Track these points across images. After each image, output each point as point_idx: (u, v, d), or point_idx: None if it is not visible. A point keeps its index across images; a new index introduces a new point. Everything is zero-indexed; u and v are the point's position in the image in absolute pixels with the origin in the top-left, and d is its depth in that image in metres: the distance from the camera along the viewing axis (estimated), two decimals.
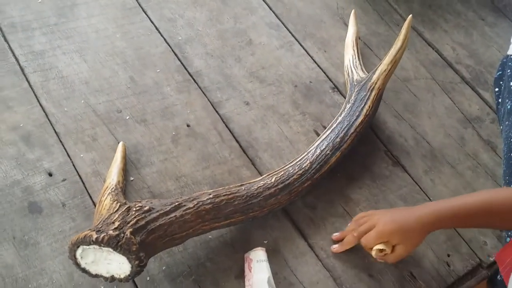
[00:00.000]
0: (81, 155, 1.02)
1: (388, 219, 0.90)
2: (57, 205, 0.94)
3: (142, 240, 0.80)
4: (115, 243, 0.77)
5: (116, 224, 0.80)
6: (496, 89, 1.33)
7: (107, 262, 0.81)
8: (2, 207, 0.92)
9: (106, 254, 0.80)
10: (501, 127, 1.24)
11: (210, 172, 1.05)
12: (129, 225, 0.80)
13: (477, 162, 1.20)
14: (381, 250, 0.90)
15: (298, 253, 0.98)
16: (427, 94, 1.31)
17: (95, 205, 0.96)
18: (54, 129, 1.04)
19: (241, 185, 0.97)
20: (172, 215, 0.86)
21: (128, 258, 0.78)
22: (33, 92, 1.08)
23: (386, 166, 1.15)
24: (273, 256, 0.95)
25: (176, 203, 0.88)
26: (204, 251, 0.95)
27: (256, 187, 0.97)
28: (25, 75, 1.10)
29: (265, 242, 0.98)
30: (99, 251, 0.79)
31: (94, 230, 0.78)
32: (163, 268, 0.92)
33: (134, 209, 0.84)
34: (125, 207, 0.84)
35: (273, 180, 0.99)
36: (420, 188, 1.13)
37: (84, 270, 0.82)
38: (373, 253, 0.92)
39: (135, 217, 0.82)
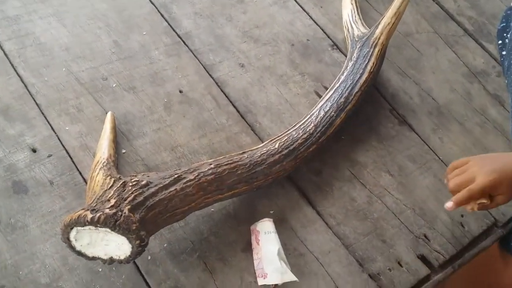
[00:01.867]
0: (67, 128, 0.93)
1: (489, 170, 0.81)
2: (44, 184, 0.87)
3: (142, 217, 0.74)
4: (112, 223, 0.70)
5: (112, 201, 0.73)
6: (500, 41, 1.27)
7: (104, 243, 0.74)
8: None
9: (103, 235, 0.73)
10: (506, 81, 1.18)
11: (208, 140, 0.98)
12: (126, 202, 0.73)
13: (485, 117, 1.15)
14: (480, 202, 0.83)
15: (307, 222, 0.93)
16: (430, 48, 1.24)
17: (86, 182, 0.88)
18: (34, 101, 0.95)
19: (243, 152, 0.90)
20: (172, 188, 0.79)
21: (128, 238, 0.72)
22: (9, 61, 0.98)
23: (392, 126, 1.09)
24: (281, 226, 0.90)
25: (175, 176, 0.81)
26: (207, 225, 0.88)
27: (259, 154, 0.90)
28: None
29: (271, 212, 0.92)
30: (95, 232, 0.72)
31: (88, 209, 0.71)
32: (164, 245, 0.85)
33: (130, 184, 0.77)
34: (120, 183, 0.77)
35: (276, 146, 0.92)
36: (429, 147, 1.07)
37: (79, 253, 0.75)
38: (474, 206, 0.82)
39: (132, 193, 0.75)
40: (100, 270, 0.81)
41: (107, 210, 0.70)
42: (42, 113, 0.94)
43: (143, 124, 0.97)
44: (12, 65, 0.98)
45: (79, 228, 0.71)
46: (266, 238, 0.86)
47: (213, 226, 0.89)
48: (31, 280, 0.78)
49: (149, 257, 0.83)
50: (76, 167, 0.90)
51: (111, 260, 0.76)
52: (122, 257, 0.75)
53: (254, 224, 0.89)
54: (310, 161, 0.98)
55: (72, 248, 0.74)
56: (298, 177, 0.97)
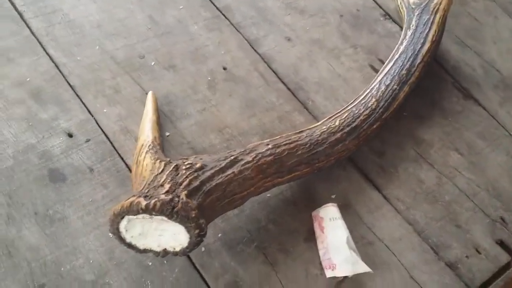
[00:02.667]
0: (104, 110, 0.85)
1: None
2: (83, 171, 0.78)
3: (199, 203, 0.65)
4: (169, 210, 0.61)
5: (167, 186, 0.64)
6: None
7: (158, 234, 0.66)
8: (17, 177, 0.76)
9: (157, 224, 0.64)
10: None
11: (257, 120, 0.89)
12: (182, 186, 0.65)
13: None
14: None
15: (373, 207, 0.83)
16: (488, 17, 1.14)
17: (129, 168, 0.80)
18: (68, 82, 0.86)
19: (301, 132, 0.80)
20: (229, 171, 0.70)
21: (186, 227, 0.63)
22: (37, 40, 0.90)
23: (457, 100, 0.99)
24: (345, 212, 0.80)
25: (232, 157, 0.72)
26: (263, 212, 0.79)
27: (319, 132, 0.80)
28: (24, 21, 0.92)
29: (333, 197, 0.83)
30: (148, 221, 0.63)
31: (141, 196, 0.62)
32: (219, 235, 0.76)
33: (184, 167, 0.68)
34: (172, 166, 0.68)
35: (337, 123, 0.83)
36: (498, 122, 0.97)
37: (129, 245, 0.67)
38: None
39: (186, 177, 0.66)
40: (150, 264, 0.72)
41: (162, 196, 0.62)
42: (77, 95, 0.85)
43: (186, 105, 0.88)
44: (40, 44, 0.90)
45: (130, 217, 0.63)
46: (332, 225, 0.77)
47: (270, 213, 0.79)
48: (75, 277, 0.69)
49: (203, 249, 0.74)
50: (117, 152, 0.81)
51: (165, 252, 0.67)
52: (177, 249, 0.66)
53: (316, 210, 0.80)
54: (372, 141, 0.88)
55: (122, 240, 0.66)
56: (360, 159, 0.88)
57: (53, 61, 0.88)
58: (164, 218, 0.62)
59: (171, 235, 0.65)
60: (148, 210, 0.61)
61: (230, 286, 0.72)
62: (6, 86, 0.84)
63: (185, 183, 0.66)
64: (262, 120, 0.89)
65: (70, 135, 0.81)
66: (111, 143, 0.82)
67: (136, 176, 0.72)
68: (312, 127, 0.82)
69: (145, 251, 0.67)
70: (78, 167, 0.78)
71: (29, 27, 0.91)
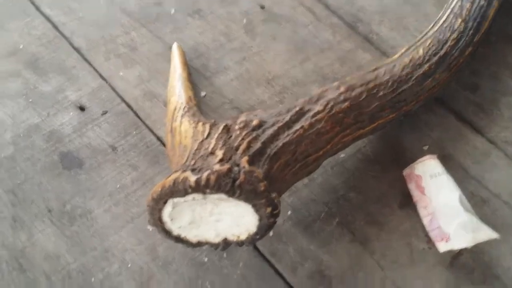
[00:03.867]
0: (120, 74, 0.67)
1: None
2: (103, 151, 0.61)
3: (266, 172, 0.47)
4: (229, 184, 0.43)
5: (219, 153, 0.46)
6: None
7: (214, 219, 0.48)
8: (21, 168, 0.59)
9: (213, 207, 0.47)
10: None
11: (313, 65, 0.70)
12: (239, 151, 0.47)
13: None
14: None
15: (479, 155, 0.64)
16: None
17: (161, 141, 0.62)
18: (71, 45, 0.69)
19: (376, 69, 0.61)
20: (297, 126, 0.52)
21: (254, 206, 0.45)
22: None
23: None
24: (444, 166, 0.61)
25: (296, 108, 0.53)
26: (340, 177, 0.61)
27: (400, 67, 0.61)
28: None
29: (425, 148, 0.64)
30: (200, 204, 0.46)
31: (186, 170, 0.44)
32: (288, 213, 0.58)
33: (237, 126, 0.50)
34: (222, 127, 0.50)
35: (420, 53, 0.63)
36: None
37: (178, 239, 0.49)
38: None
39: (243, 139, 0.48)
40: (206, 260, 0.55)
41: (216, 166, 0.44)
42: (84, 59, 0.68)
43: (221, 56, 0.70)
44: (32, 2, 0.72)
45: (176, 200, 0.45)
46: (435, 184, 0.58)
47: (349, 177, 0.61)
48: None
49: (271, 233, 0.56)
50: (144, 122, 0.63)
51: (226, 244, 0.50)
52: (243, 237, 0.49)
53: (409, 167, 0.61)
54: (461, 74, 0.69)
55: (167, 233, 0.49)
56: (450, 98, 0.69)
57: (50, 21, 0.70)
58: (223, 195, 0.44)
59: (232, 219, 0.48)
60: (200, 187, 0.43)
61: (313, 278, 0.54)
62: None
63: (242, 146, 0.48)
64: (318, 64, 0.70)
65: (82, 108, 0.64)
66: (134, 112, 0.64)
67: (174, 148, 0.54)
68: (390, 62, 0.63)
69: (199, 244, 0.50)
70: (96, 147, 0.61)
71: None
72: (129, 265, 0.54)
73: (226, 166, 0.44)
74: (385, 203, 0.59)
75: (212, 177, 0.43)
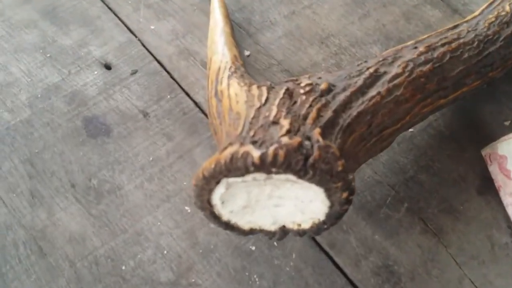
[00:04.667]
0: (152, 27, 0.58)
1: None
2: (134, 117, 0.52)
3: (339, 148, 0.38)
4: (301, 162, 0.34)
5: (285, 123, 0.37)
6: None
7: (273, 204, 0.40)
8: (39, 135, 0.50)
9: (273, 189, 0.38)
10: None
11: (374, 21, 0.60)
12: (309, 120, 0.38)
13: None
14: None
15: None
16: None
17: (199, 107, 0.53)
18: None
19: (456, 26, 0.52)
20: (374, 92, 0.43)
21: (327, 189, 0.36)
22: None
23: None
24: None
25: (370, 70, 0.44)
26: (409, 156, 0.52)
27: (486, 24, 0.52)
28: None
29: (507, 123, 0.55)
30: (259, 186, 0.37)
31: (245, 143, 0.35)
32: (349, 197, 0.50)
33: (302, 90, 0.41)
34: (283, 90, 0.41)
35: (507, 8, 0.53)
36: None
37: (227, 225, 0.41)
38: None
39: (310, 105, 0.40)
40: (254, 249, 0.47)
41: (285, 139, 0.35)
42: (110, 9, 0.58)
43: (267, 9, 0.60)
44: None
45: (232, 180, 0.36)
46: None
47: (420, 156, 0.52)
48: (144, 279, 0.45)
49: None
50: (179, 85, 0.54)
51: (284, 233, 0.42)
52: (306, 225, 0.41)
53: (490, 146, 0.52)
54: None
55: (216, 217, 0.40)
56: None
57: None
58: (292, 176, 0.35)
59: (296, 205, 0.39)
60: (266, 165, 0.34)
61: (379, 274, 0.46)
62: (7, 4, 0.57)
63: (312, 115, 0.39)
64: (381, 20, 0.60)
65: (108, 67, 0.55)
66: (168, 72, 0.55)
67: (221, 116, 0.45)
68: (471, 19, 0.53)
69: (251, 232, 0.42)
70: (125, 112, 0.52)
71: None
72: (165, 252, 0.46)
73: (297, 139, 0.35)
74: (461, 188, 0.51)
75: (281, 153, 0.34)
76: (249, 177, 0.36)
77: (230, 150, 0.35)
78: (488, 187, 0.50)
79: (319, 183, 0.36)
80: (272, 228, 0.42)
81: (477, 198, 0.50)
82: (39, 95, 0.52)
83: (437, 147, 0.53)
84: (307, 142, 0.36)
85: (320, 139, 0.36)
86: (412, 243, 0.47)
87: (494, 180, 0.51)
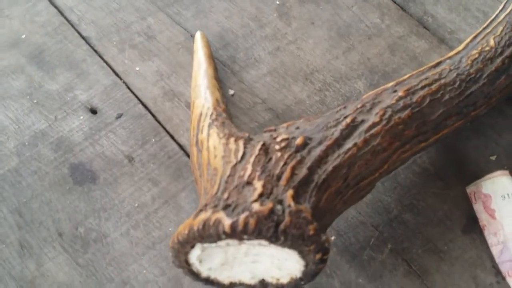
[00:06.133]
0: (137, 68, 0.58)
1: None
2: (119, 162, 0.53)
3: (314, 206, 0.39)
4: (272, 230, 0.35)
5: (258, 185, 0.38)
6: None
7: (250, 260, 0.40)
8: (27, 183, 0.51)
9: (249, 248, 0.39)
10: None
11: (358, 55, 0.60)
12: (282, 181, 0.38)
13: None
14: None
15: None
16: None
17: (183, 150, 0.54)
18: (79, 33, 0.60)
19: (438, 64, 0.52)
20: (350, 144, 0.43)
21: (300, 252, 0.37)
22: None
23: None
24: None
25: (346, 119, 0.45)
26: (392, 195, 0.52)
27: (469, 62, 0.51)
28: None
29: (493, 158, 0.55)
30: (235, 246, 0.38)
31: (218, 208, 0.36)
32: (332, 238, 0.50)
33: (277, 146, 0.42)
34: (259, 146, 0.42)
35: (491, 43, 0.53)
36: None
37: (207, 280, 0.42)
38: None
39: (285, 163, 0.40)
40: None
41: (256, 206, 0.35)
42: (95, 51, 0.59)
43: (252, 46, 0.60)
44: None
45: (206, 245, 0.37)
46: (509, 206, 0.49)
47: (404, 195, 0.52)
48: None
49: None
50: (164, 128, 0.55)
51: (263, 286, 0.42)
52: (284, 280, 0.41)
53: (474, 184, 0.52)
54: None
55: (194, 275, 0.41)
56: None
57: (54, 6, 0.61)
58: (264, 242, 0.36)
59: (272, 262, 0.40)
60: (236, 233, 0.35)
61: None
62: None
63: (285, 174, 0.39)
64: (365, 54, 0.60)
65: (94, 111, 0.55)
66: (153, 115, 0.56)
67: (201, 167, 0.46)
68: (454, 55, 0.53)
69: (231, 285, 0.43)
70: (111, 157, 0.53)
71: None
72: None
73: (268, 206, 0.36)
74: (447, 227, 0.51)
75: (251, 221, 0.35)
76: (222, 243, 0.37)
77: (202, 217, 0.36)
78: (473, 226, 0.51)
79: (291, 247, 0.36)
80: (252, 281, 0.42)
81: (462, 237, 0.50)
82: (26, 143, 0.53)
83: (421, 185, 0.53)
84: (278, 207, 0.36)
85: (292, 203, 0.36)
86: (395, 285, 0.48)
87: (478, 219, 0.51)
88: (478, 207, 0.51)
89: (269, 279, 0.42)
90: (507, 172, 0.51)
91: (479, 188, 0.51)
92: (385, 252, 0.49)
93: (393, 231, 0.50)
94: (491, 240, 0.49)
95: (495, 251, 0.49)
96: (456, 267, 0.49)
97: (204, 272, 0.41)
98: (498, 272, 0.48)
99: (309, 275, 0.39)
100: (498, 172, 0.51)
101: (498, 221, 0.49)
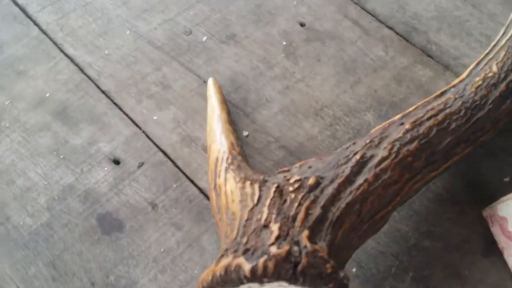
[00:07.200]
0: (155, 118, 0.61)
1: None
2: (143, 209, 0.55)
3: (329, 244, 0.40)
4: (290, 271, 0.37)
5: (275, 228, 0.40)
6: None
7: None
8: (59, 236, 0.54)
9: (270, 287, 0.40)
10: None
11: (366, 88, 0.62)
12: (297, 223, 0.40)
13: None
14: None
15: None
16: None
17: (203, 193, 0.56)
18: (98, 88, 0.63)
19: (443, 93, 0.53)
20: (361, 180, 0.45)
21: None
22: (50, 38, 0.67)
23: None
24: None
25: (356, 156, 0.46)
26: (409, 223, 0.54)
27: (473, 89, 0.53)
28: (29, 17, 0.69)
29: (506, 179, 0.56)
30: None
31: (238, 253, 0.38)
32: (353, 270, 0.52)
33: (291, 188, 0.43)
34: (273, 189, 0.44)
35: (494, 69, 0.54)
36: None
37: None
38: None
39: (299, 204, 0.42)
40: None
41: (273, 249, 0.37)
42: (114, 103, 0.62)
43: (262, 86, 0.63)
44: (55, 43, 0.67)
45: None
46: None
47: (420, 222, 0.54)
48: None
49: None
50: (184, 173, 0.57)
51: None
52: None
53: (490, 207, 0.53)
54: None
55: None
56: None
57: (74, 63, 0.65)
58: (284, 283, 0.37)
59: None
60: (257, 277, 0.37)
61: None
62: (22, 110, 0.62)
63: (300, 215, 0.41)
64: (372, 86, 0.62)
65: (117, 162, 0.58)
66: (172, 161, 0.58)
67: (220, 211, 0.48)
68: (458, 82, 0.54)
69: None
70: (135, 205, 0.56)
71: (36, 24, 0.68)
72: None
73: (285, 249, 0.37)
74: (465, 252, 0.52)
75: (270, 265, 0.36)
76: (244, 286, 0.38)
77: (224, 263, 0.38)
78: (492, 249, 0.51)
79: (310, 286, 0.38)
80: None
81: (482, 260, 0.51)
82: (56, 197, 0.56)
83: (437, 211, 0.54)
84: (295, 248, 0.38)
85: (308, 244, 0.38)
86: None
87: (497, 242, 0.51)
88: (495, 230, 0.52)
89: None
90: None
91: (495, 211, 0.52)
92: (407, 280, 0.50)
93: (413, 259, 0.51)
94: (511, 262, 0.50)
95: None
96: None
97: None
98: None
99: None
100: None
101: None
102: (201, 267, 0.52)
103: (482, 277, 0.50)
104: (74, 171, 0.58)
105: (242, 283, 0.37)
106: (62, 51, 0.66)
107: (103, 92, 0.63)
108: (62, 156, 0.59)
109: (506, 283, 0.50)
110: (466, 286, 0.50)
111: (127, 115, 0.61)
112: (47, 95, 0.63)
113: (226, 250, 0.40)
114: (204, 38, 0.67)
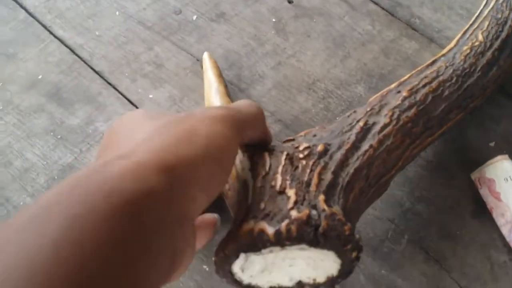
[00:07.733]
0: (150, 96, 0.62)
1: None
2: None
3: (342, 208, 0.42)
4: (312, 233, 0.38)
5: (291, 193, 0.41)
6: None
7: (288, 264, 0.44)
8: None
9: (287, 253, 0.42)
10: None
11: (355, 61, 0.64)
12: (312, 187, 0.42)
13: None
14: None
15: None
16: None
17: None
18: (92, 69, 0.63)
19: (434, 62, 0.56)
20: (366, 146, 0.47)
21: (337, 252, 0.40)
22: (38, 21, 0.66)
23: None
24: None
25: (359, 123, 0.48)
26: (403, 189, 0.56)
27: (462, 57, 0.56)
28: (15, 1, 0.67)
29: (491, 144, 0.59)
30: (274, 253, 0.41)
31: (258, 218, 0.39)
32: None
33: (301, 155, 0.45)
34: (284, 156, 0.45)
35: (480, 38, 0.57)
36: None
37: (248, 287, 0.45)
38: None
39: (311, 170, 0.43)
40: None
41: (294, 213, 0.39)
42: (109, 83, 0.62)
43: (254, 63, 0.64)
44: (44, 26, 0.66)
45: (249, 254, 0.40)
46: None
47: (414, 188, 0.56)
48: None
49: None
50: None
51: (300, 287, 0.46)
52: (320, 279, 0.45)
53: (477, 170, 0.56)
54: None
55: (237, 282, 0.44)
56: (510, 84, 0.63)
57: (65, 45, 0.65)
58: (304, 245, 0.39)
59: (309, 263, 0.43)
60: (280, 240, 0.38)
61: None
62: (14, 93, 0.61)
63: (314, 180, 0.43)
64: (361, 59, 0.64)
65: None
66: None
67: (228, 182, 0.49)
68: (447, 52, 0.57)
69: None
70: None
71: (23, 7, 0.67)
72: None
73: (305, 212, 0.39)
74: (457, 213, 0.55)
75: (293, 228, 0.38)
76: (266, 250, 0.40)
77: (246, 228, 0.39)
78: (481, 210, 0.55)
79: (330, 249, 0.40)
80: (290, 284, 0.45)
81: (472, 221, 0.54)
82: (55, 177, 0.56)
83: (429, 177, 0.57)
84: (314, 212, 0.40)
85: (326, 207, 0.40)
86: (416, 272, 0.52)
87: (486, 203, 0.55)
88: (484, 192, 0.55)
89: (306, 279, 0.45)
90: (506, 156, 0.55)
91: (482, 174, 0.55)
92: (403, 243, 0.53)
93: (408, 223, 0.54)
94: (499, 221, 0.54)
95: (504, 230, 0.53)
96: (471, 249, 0.53)
97: (246, 279, 0.44)
98: (510, 250, 0.52)
99: (345, 273, 0.43)
100: (499, 157, 0.55)
101: (504, 202, 0.53)
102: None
103: (473, 236, 0.53)
104: (73, 150, 0.58)
105: (265, 247, 0.39)
106: (51, 33, 0.65)
107: (96, 72, 0.63)
108: (59, 137, 0.59)
109: (496, 241, 0.53)
110: (459, 245, 0.53)
111: (122, 95, 0.61)
112: (40, 77, 0.62)
113: (246, 215, 0.41)
114: (194, 17, 0.67)
